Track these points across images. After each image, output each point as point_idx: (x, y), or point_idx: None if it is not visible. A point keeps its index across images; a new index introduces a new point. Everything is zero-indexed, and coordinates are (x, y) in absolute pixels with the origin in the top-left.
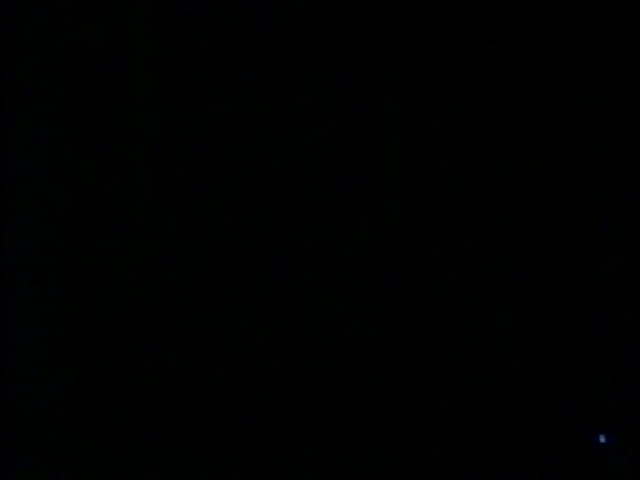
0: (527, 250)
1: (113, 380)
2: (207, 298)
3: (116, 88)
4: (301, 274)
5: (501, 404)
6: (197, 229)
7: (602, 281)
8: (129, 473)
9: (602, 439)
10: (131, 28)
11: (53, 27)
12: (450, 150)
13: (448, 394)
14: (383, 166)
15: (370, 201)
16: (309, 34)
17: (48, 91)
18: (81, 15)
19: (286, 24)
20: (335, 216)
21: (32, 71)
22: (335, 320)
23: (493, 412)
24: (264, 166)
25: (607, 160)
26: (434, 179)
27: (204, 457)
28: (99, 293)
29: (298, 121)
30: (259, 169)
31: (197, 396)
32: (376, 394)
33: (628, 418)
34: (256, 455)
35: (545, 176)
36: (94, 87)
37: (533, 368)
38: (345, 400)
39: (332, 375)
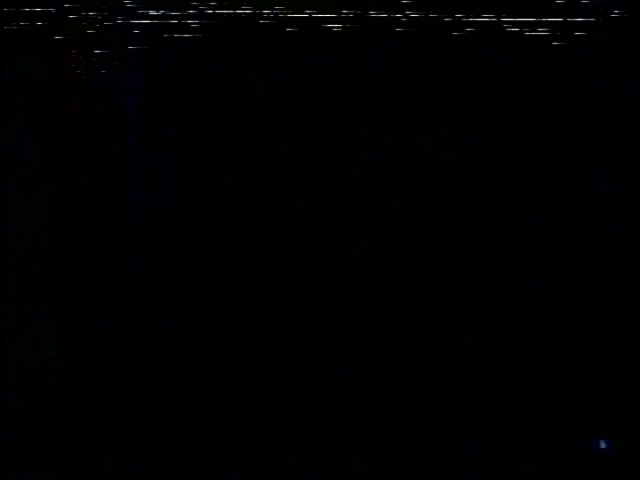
0: (527, 251)
1: (114, 381)
2: (208, 299)
3: (115, 87)
4: (302, 276)
5: (501, 410)
6: (198, 229)
7: (602, 284)
8: (129, 473)
9: (602, 445)
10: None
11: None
12: (449, 150)
13: (449, 399)
14: (382, 166)
15: (369, 202)
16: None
17: (48, 90)
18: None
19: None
20: (335, 218)
21: (32, 70)
22: (334, 321)
23: (493, 417)
24: (263, 166)
25: (607, 159)
26: (433, 178)
27: (204, 457)
28: (100, 293)
29: (298, 120)
30: (258, 169)
31: (197, 397)
32: (376, 397)
33: (628, 423)
34: (256, 455)
35: (544, 175)
36: (94, 86)
37: (533, 373)
38: (346, 405)
39: (332, 377)
